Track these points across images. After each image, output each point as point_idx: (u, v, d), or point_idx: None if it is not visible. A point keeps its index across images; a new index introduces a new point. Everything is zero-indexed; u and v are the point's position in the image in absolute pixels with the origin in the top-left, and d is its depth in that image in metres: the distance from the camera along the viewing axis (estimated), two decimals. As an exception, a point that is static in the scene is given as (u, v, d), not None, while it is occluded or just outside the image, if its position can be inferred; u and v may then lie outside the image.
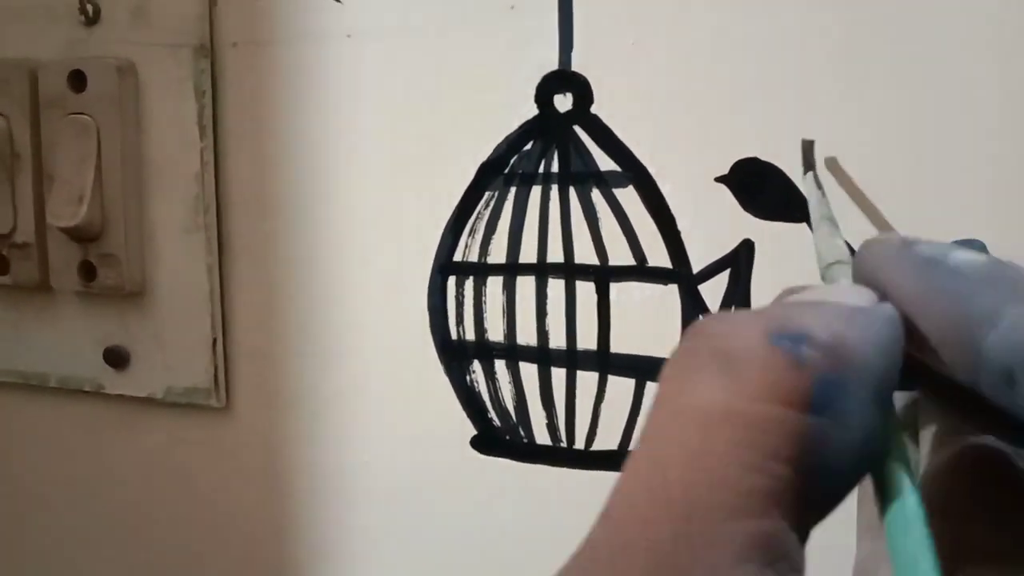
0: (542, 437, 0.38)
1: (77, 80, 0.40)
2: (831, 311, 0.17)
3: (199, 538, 0.43)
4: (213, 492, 0.43)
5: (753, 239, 0.34)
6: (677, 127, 0.34)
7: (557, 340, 0.37)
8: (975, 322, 0.17)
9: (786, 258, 0.34)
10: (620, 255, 0.36)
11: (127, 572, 0.45)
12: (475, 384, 0.39)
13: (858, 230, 0.32)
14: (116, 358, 0.42)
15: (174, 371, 0.42)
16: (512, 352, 0.38)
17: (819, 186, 0.31)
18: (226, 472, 0.42)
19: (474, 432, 0.39)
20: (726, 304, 0.35)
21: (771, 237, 0.34)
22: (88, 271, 0.41)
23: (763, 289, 0.34)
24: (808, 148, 0.33)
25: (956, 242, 0.26)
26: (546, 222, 0.37)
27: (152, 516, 0.44)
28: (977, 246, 0.31)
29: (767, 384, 0.16)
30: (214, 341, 0.41)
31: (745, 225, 0.34)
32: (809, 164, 0.33)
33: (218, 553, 0.43)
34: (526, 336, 0.38)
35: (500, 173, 0.37)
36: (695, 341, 0.17)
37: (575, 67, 0.35)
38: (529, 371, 0.38)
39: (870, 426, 0.16)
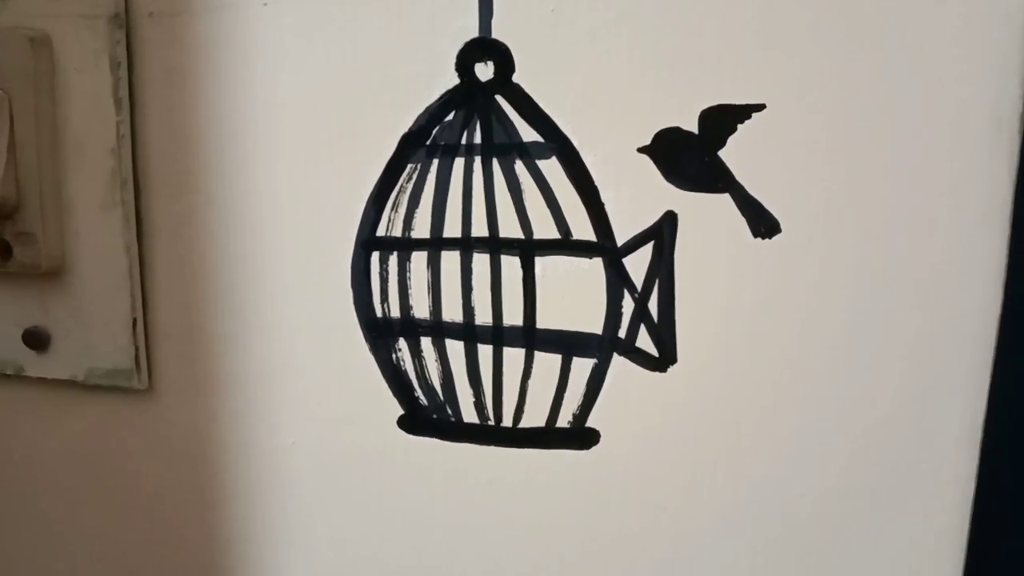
0: (469, 415, 0.37)
1: (-11, 52, 0.39)
2: None
3: (125, 523, 0.42)
4: (138, 475, 0.42)
5: (676, 210, 0.34)
6: (599, 97, 0.34)
7: (483, 316, 0.36)
8: None
9: (709, 229, 0.33)
10: (545, 228, 0.35)
11: (52, 558, 0.43)
12: (401, 362, 0.38)
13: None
14: (36, 340, 0.41)
15: (95, 352, 0.41)
16: (438, 329, 0.37)
17: None
18: (151, 455, 0.41)
19: (400, 412, 0.38)
20: (650, 277, 0.34)
21: (694, 208, 0.33)
22: (4, 250, 0.40)
23: (687, 261, 0.34)
24: None
25: None
26: (470, 195, 0.36)
27: (78, 501, 0.43)
28: None
29: None
30: (134, 321, 0.40)
31: (668, 196, 0.34)
32: None
33: (146, 537, 0.42)
34: (452, 312, 0.37)
35: (422, 144, 0.36)
36: None
37: (496, 34, 0.34)
38: (456, 348, 0.37)
39: None
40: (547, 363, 0.36)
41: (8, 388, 0.43)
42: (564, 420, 0.36)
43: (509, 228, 0.35)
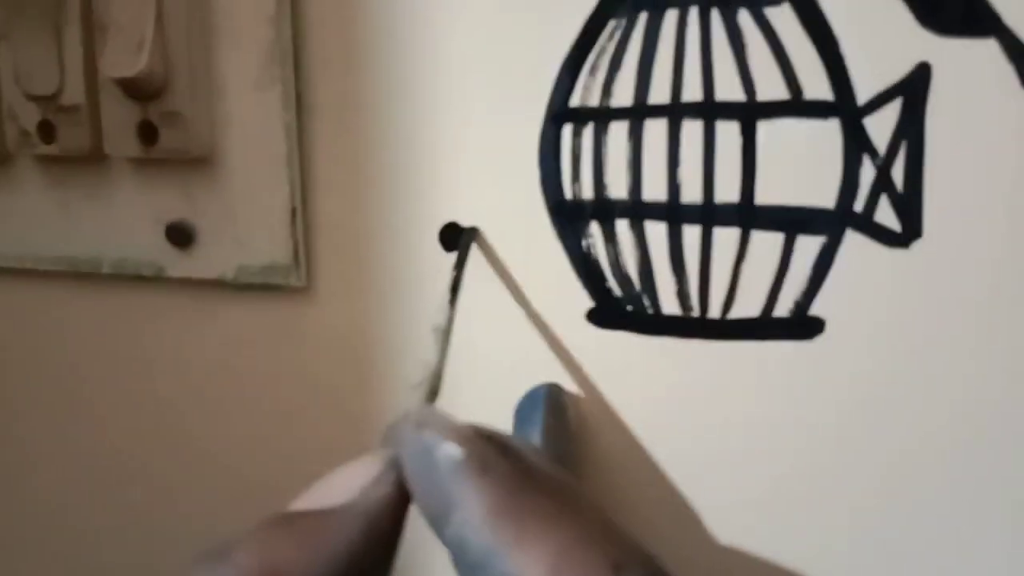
0: (670, 306, 0.34)
1: (131, -87, 0.35)
2: (268, 533, 0.22)
3: (278, 435, 0.39)
4: (293, 382, 0.38)
5: (931, 61, 0.30)
6: (842, -69, 0.30)
7: (691, 194, 0.33)
8: (439, 514, 0.22)
9: (970, 82, 0.29)
10: (770, 88, 0.31)
11: (204, 468, 0.40)
12: (592, 249, 0.34)
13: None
14: (180, 235, 0.38)
15: (247, 248, 0.37)
16: (637, 210, 0.33)
17: (453, 289, 0.32)
18: (308, 359, 0.38)
19: (591, 304, 0.35)
20: (896, 140, 0.30)
21: (952, 58, 0.29)
22: (148, 133, 0.36)
23: (941, 120, 0.30)
24: (469, 236, 0.34)
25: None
26: (682, 53, 0.32)
27: (225, 410, 0.40)
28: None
29: None
30: (293, 211, 0.36)
31: (921, 45, 0.30)
32: (460, 262, 0.33)
33: (300, 450, 0.39)
34: (654, 191, 0.33)
35: (628, -3, 0.32)
36: None
37: None
38: (657, 231, 0.33)
39: None
40: (766, 244, 0.32)
41: (147, 291, 0.40)
42: (783, 308, 0.32)
43: (728, 90, 0.32)
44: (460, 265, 0.33)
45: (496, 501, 0.22)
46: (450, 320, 0.31)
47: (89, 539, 0.44)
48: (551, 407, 0.33)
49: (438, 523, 0.22)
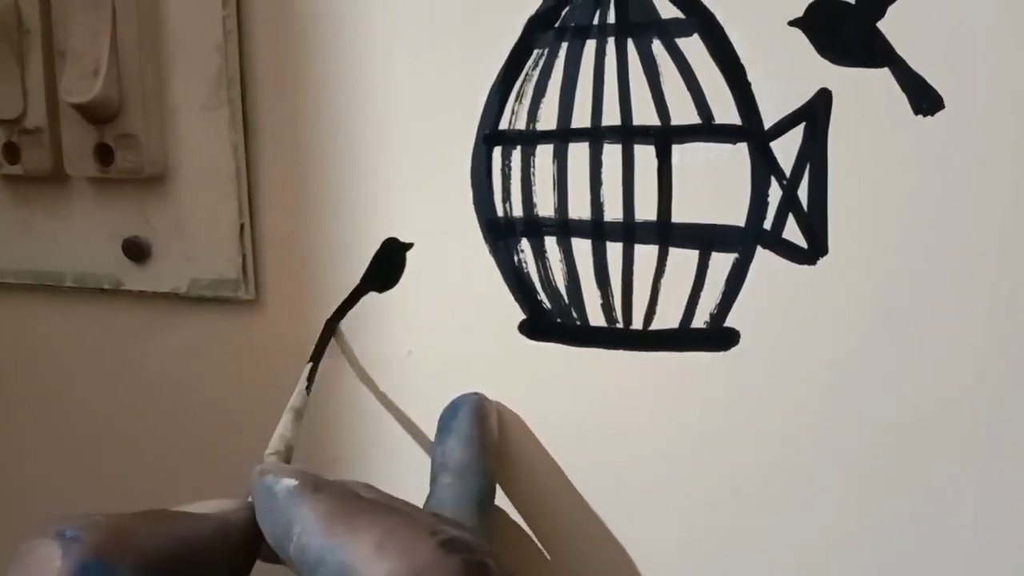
0: (596, 318, 0.35)
1: (88, -53, 0.37)
2: (130, 513, 0.25)
3: (231, 439, 0.41)
4: (244, 390, 0.40)
5: (831, 88, 0.31)
6: (747, -34, 0.31)
7: (613, 212, 0.34)
8: (283, 536, 0.25)
9: (867, 107, 0.31)
10: (683, 114, 0.33)
11: (157, 475, 0.42)
12: (523, 264, 0.36)
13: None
14: (136, 250, 0.40)
15: (198, 262, 0.39)
16: (564, 227, 0.35)
17: (309, 379, 0.36)
18: (257, 369, 0.40)
19: (522, 316, 0.36)
20: (800, 161, 0.32)
21: (851, 85, 0.31)
22: (105, 154, 0.38)
23: (842, 144, 0.31)
24: (324, 336, 0.37)
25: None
26: (601, 80, 0.34)
27: (181, 417, 0.41)
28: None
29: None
30: (241, 227, 0.38)
31: (822, 73, 0.31)
32: (318, 352, 0.37)
33: (252, 452, 0.40)
34: (579, 210, 0.35)
35: (550, 27, 0.34)
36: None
37: (633, -96, 0.32)
38: (582, 247, 0.35)
39: None
40: (682, 260, 0.34)
41: (106, 303, 0.42)
42: (700, 320, 0.34)
43: (644, 115, 0.33)
44: (316, 357, 0.37)
45: (328, 508, 0.25)
46: (304, 403, 0.35)
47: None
48: (473, 415, 0.34)
49: (283, 544, 0.25)
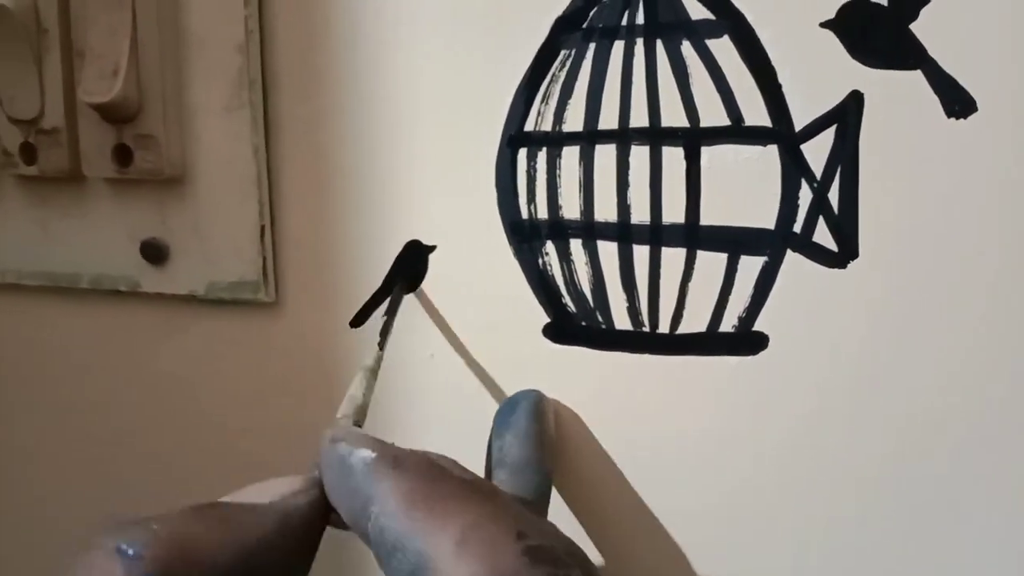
0: (622, 322, 0.35)
1: (108, -55, 0.37)
2: (187, 513, 0.24)
3: (249, 444, 0.40)
4: (263, 394, 0.40)
5: (862, 90, 0.31)
6: (778, -33, 0.31)
7: (640, 215, 0.34)
8: (359, 512, 0.24)
9: (899, 110, 0.31)
10: (713, 115, 0.33)
11: (173, 478, 0.42)
12: (548, 267, 0.35)
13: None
14: (154, 252, 0.39)
15: (217, 265, 0.39)
16: (589, 230, 0.35)
17: (383, 334, 0.34)
18: (277, 372, 0.39)
19: (547, 320, 0.36)
20: (831, 164, 0.32)
21: (882, 87, 0.31)
22: (123, 155, 0.38)
23: (873, 146, 0.31)
24: (398, 293, 0.36)
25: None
26: (629, 82, 0.33)
27: (198, 421, 0.41)
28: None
29: None
30: (262, 229, 0.38)
31: (853, 75, 0.31)
32: (392, 309, 0.35)
33: (271, 457, 0.40)
34: (605, 212, 0.34)
35: (578, 28, 0.33)
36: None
37: (663, -96, 0.32)
38: (608, 250, 0.35)
39: None
40: (710, 263, 0.34)
41: (123, 305, 0.41)
42: (728, 324, 0.34)
43: (672, 117, 0.33)
44: (391, 312, 0.35)
45: (409, 489, 0.23)
46: (378, 361, 0.33)
47: (61, 546, 0.45)
48: (532, 412, 0.34)
49: (359, 522, 0.24)
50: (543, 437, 0.34)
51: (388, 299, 0.36)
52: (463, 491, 0.23)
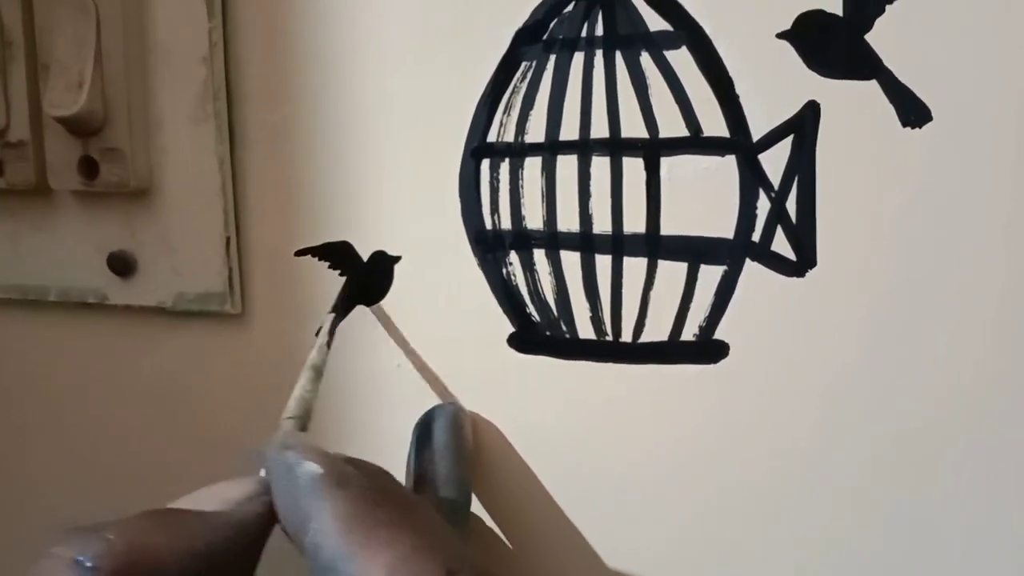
0: (585, 331, 0.35)
1: (72, -42, 0.37)
2: (142, 520, 0.24)
3: (218, 453, 0.40)
4: (231, 405, 0.40)
5: (819, 100, 0.31)
6: (734, -21, 0.31)
7: (602, 225, 0.34)
8: (299, 526, 0.24)
9: (855, 120, 0.31)
10: (672, 126, 0.33)
11: (144, 488, 0.42)
12: (512, 277, 0.36)
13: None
14: (121, 265, 0.39)
15: (184, 276, 0.39)
16: (552, 240, 0.35)
17: (331, 333, 0.34)
18: (244, 383, 0.39)
19: (511, 329, 0.36)
20: (789, 174, 0.32)
21: (839, 97, 0.31)
22: (90, 167, 0.38)
23: (830, 156, 0.31)
24: (346, 288, 0.36)
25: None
26: (589, 93, 0.34)
27: (166, 433, 0.41)
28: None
29: None
30: (227, 240, 0.38)
31: (810, 85, 0.31)
32: (339, 305, 0.35)
33: (239, 466, 0.40)
34: (568, 222, 0.35)
35: (539, 40, 0.34)
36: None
37: (620, -84, 0.32)
38: (571, 260, 0.35)
39: None
40: (671, 272, 0.34)
41: (91, 317, 0.41)
42: (689, 333, 0.34)
43: (632, 128, 0.33)
44: (338, 309, 0.35)
45: (349, 512, 0.23)
46: (324, 361, 0.33)
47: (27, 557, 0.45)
48: (449, 425, 0.34)
49: (298, 534, 0.24)
50: (461, 450, 0.34)
51: (340, 291, 0.36)
52: (401, 519, 0.24)
